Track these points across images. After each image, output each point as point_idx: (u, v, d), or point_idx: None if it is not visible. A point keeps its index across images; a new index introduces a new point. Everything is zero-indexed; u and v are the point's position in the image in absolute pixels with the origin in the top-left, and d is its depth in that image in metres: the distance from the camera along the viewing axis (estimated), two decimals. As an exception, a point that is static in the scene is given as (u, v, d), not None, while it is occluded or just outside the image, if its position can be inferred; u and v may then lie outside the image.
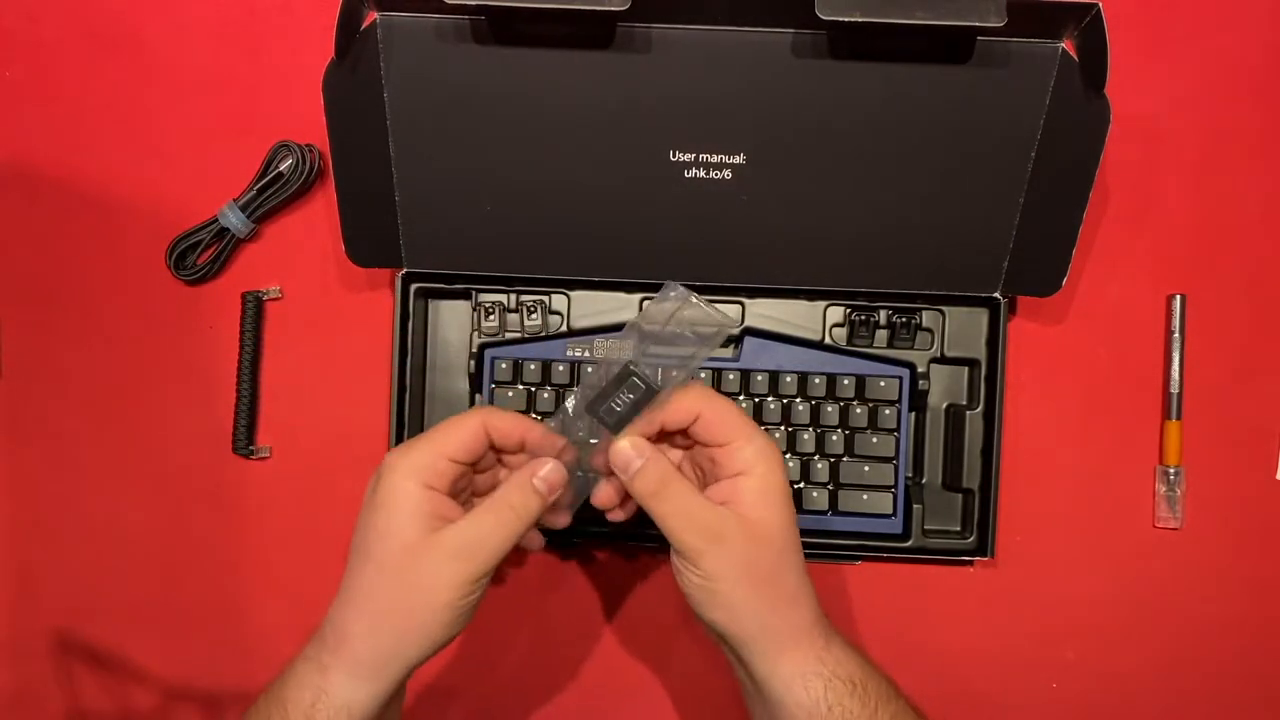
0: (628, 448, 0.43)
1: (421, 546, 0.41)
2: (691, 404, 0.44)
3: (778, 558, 0.43)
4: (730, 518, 0.43)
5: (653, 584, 0.63)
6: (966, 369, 0.61)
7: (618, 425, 0.43)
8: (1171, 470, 0.61)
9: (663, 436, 0.46)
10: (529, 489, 0.42)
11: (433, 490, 0.42)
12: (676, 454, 0.47)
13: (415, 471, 0.42)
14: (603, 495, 0.46)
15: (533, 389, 0.60)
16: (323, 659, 0.42)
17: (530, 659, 0.62)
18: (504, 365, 0.60)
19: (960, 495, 0.61)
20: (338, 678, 0.42)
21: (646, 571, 0.63)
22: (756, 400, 0.60)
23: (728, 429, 0.43)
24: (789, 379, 0.60)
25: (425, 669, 0.61)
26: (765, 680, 0.44)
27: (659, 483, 0.43)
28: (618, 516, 0.48)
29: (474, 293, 0.61)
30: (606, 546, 0.62)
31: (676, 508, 0.43)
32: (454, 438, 0.43)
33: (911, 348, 0.60)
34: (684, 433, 0.45)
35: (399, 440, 0.60)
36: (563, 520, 0.47)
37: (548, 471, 0.43)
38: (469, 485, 0.47)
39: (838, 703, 0.43)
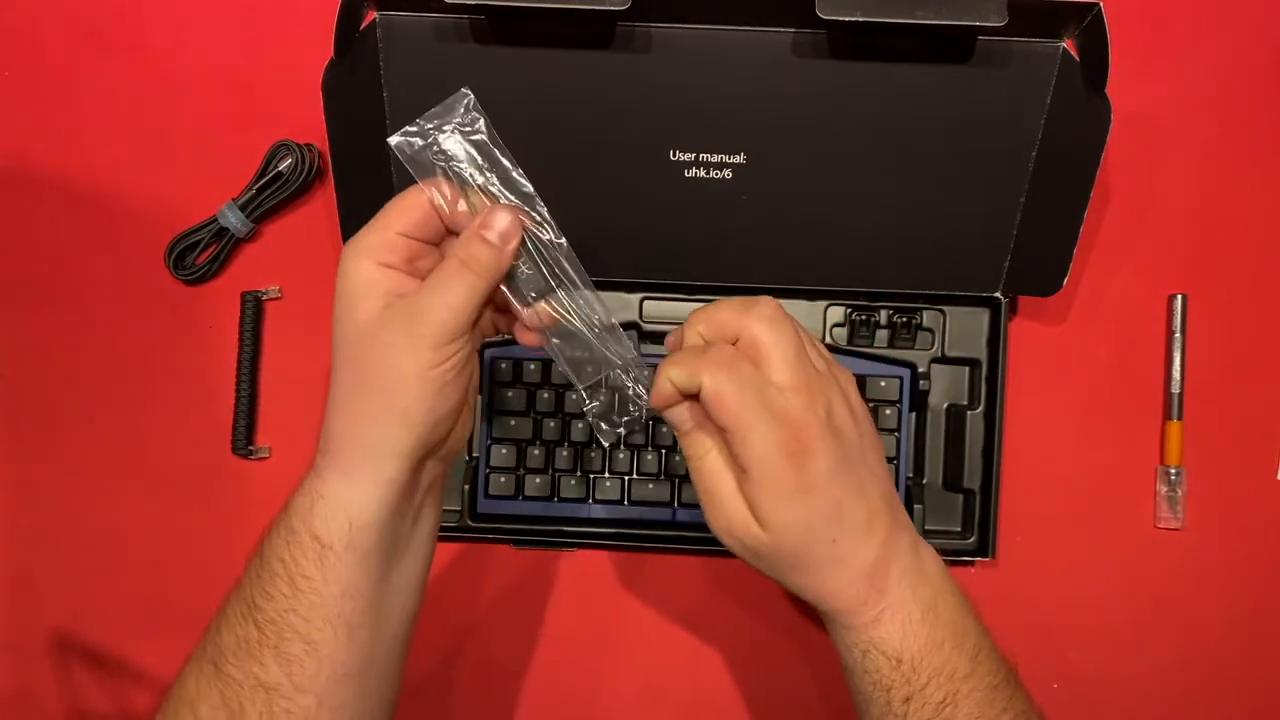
0: (683, 413, 0.41)
1: (377, 322, 0.39)
2: (691, 380, 0.39)
3: (793, 557, 0.41)
4: (744, 518, 0.40)
5: (653, 584, 0.63)
6: (967, 369, 0.61)
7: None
8: (1173, 470, 0.61)
9: None
10: (474, 239, 0.39)
11: (388, 268, 0.39)
12: None
13: (366, 251, 0.39)
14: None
15: (533, 389, 0.60)
16: (317, 465, 0.41)
17: (528, 659, 0.62)
18: (504, 365, 0.60)
19: (961, 495, 0.60)
20: (331, 478, 0.40)
21: (647, 571, 0.63)
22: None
23: (720, 417, 0.39)
24: (789, 379, 0.60)
25: (418, 668, 0.62)
26: (828, 626, 0.44)
27: (696, 452, 0.41)
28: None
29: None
30: (606, 547, 0.62)
31: (704, 485, 0.41)
32: (399, 212, 0.40)
33: (912, 348, 0.60)
34: None
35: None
36: (528, 326, 0.43)
37: (494, 219, 0.39)
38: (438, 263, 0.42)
39: (876, 669, 0.42)
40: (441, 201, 0.40)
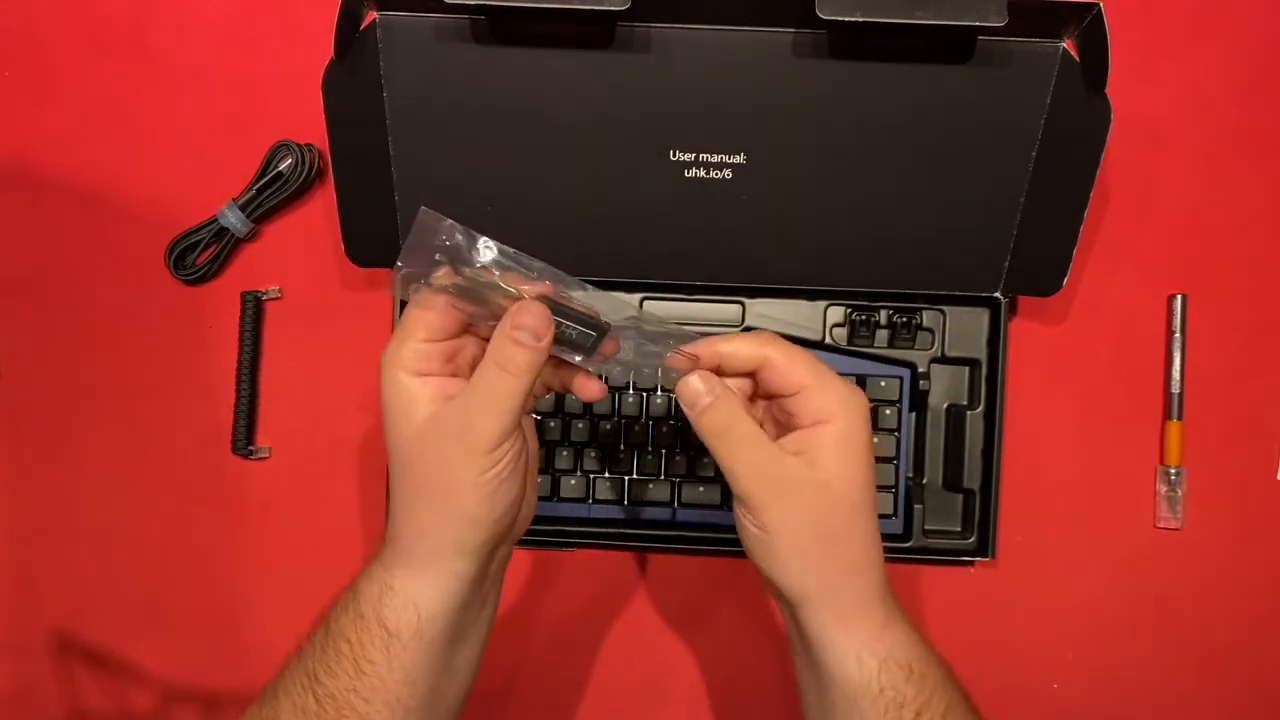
0: (696, 382, 0.41)
1: (427, 431, 0.40)
2: (754, 348, 0.41)
3: (849, 518, 0.40)
4: (800, 469, 0.40)
5: (653, 584, 0.63)
6: (967, 369, 0.61)
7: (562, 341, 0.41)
8: (1172, 470, 0.61)
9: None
10: (507, 342, 0.39)
11: (425, 376, 0.40)
12: (758, 407, 0.44)
13: (401, 363, 0.40)
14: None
15: (533, 389, 0.60)
16: (385, 558, 0.42)
17: (528, 659, 0.62)
18: (504, 365, 0.60)
19: (961, 495, 0.60)
20: (400, 573, 0.41)
21: (647, 572, 0.63)
22: (757, 400, 0.60)
23: (799, 374, 0.40)
24: (789, 379, 0.60)
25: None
26: (818, 647, 0.41)
27: (725, 423, 0.40)
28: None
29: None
30: (606, 547, 0.62)
31: (741, 453, 0.40)
32: (417, 322, 0.40)
33: (912, 348, 0.60)
34: (757, 384, 0.43)
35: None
36: (590, 374, 0.43)
37: (522, 319, 0.39)
38: (480, 351, 0.42)
39: (890, 684, 0.40)
40: (455, 305, 0.41)
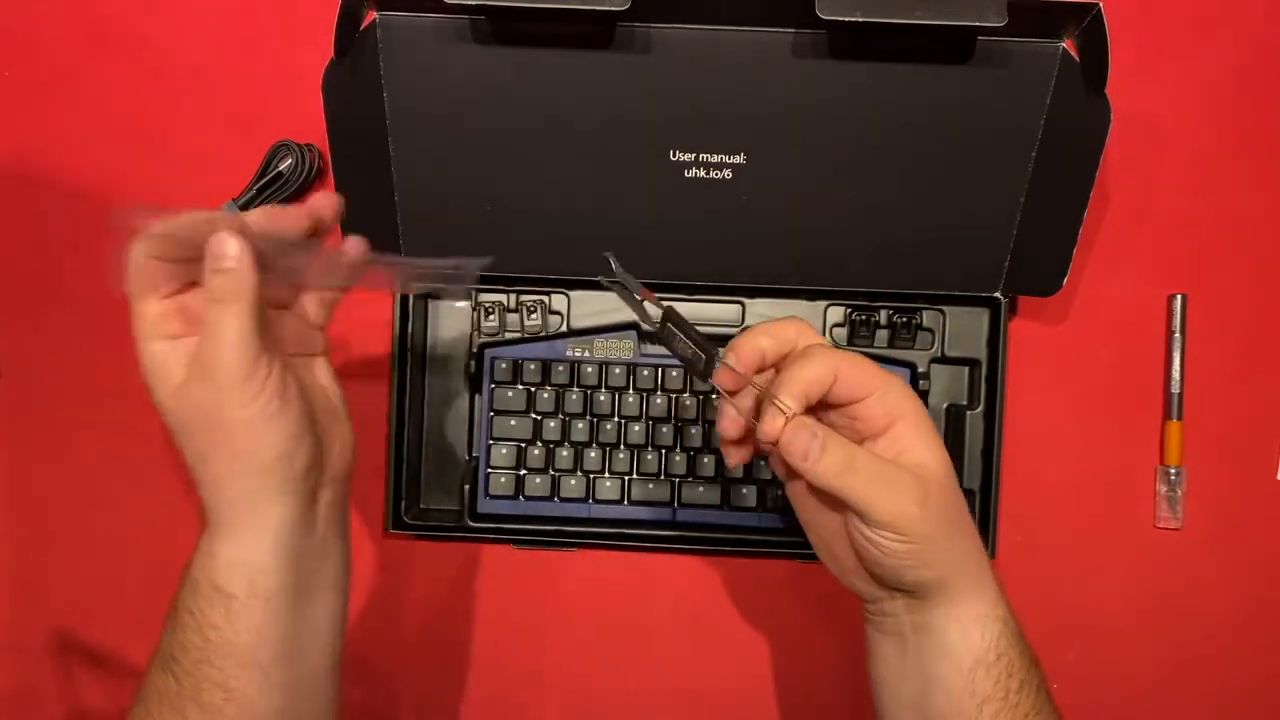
0: (801, 434, 0.39)
1: (184, 386, 0.40)
2: (824, 367, 0.40)
3: (960, 499, 0.41)
4: (916, 474, 0.40)
5: (653, 584, 0.63)
6: (967, 369, 0.61)
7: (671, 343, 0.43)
8: (1172, 470, 0.61)
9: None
10: (210, 274, 0.39)
11: (174, 338, 0.40)
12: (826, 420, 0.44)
13: (144, 334, 0.40)
14: (731, 432, 0.42)
15: (532, 389, 0.60)
16: (208, 527, 0.42)
17: (528, 659, 0.62)
18: (504, 365, 0.60)
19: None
20: (219, 535, 0.41)
21: (647, 572, 0.63)
22: (757, 400, 0.60)
23: (868, 379, 0.40)
24: (789, 379, 0.60)
25: (418, 667, 0.62)
26: (942, 625, 0.41)
27: (844, 459, 0.39)
28: (740, 458, 0.43)
29: (474, 292, 0.61)
30: (607, 547, 0.62)
31: (872, 478, 0.39)
32: (139, 286, 0.40)
33: (912, 348, 0.60)
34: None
35: (398, 441, 0.60)
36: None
37: (214, 248, 0.38)
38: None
39: (1006, 650, 0.41)
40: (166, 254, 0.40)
